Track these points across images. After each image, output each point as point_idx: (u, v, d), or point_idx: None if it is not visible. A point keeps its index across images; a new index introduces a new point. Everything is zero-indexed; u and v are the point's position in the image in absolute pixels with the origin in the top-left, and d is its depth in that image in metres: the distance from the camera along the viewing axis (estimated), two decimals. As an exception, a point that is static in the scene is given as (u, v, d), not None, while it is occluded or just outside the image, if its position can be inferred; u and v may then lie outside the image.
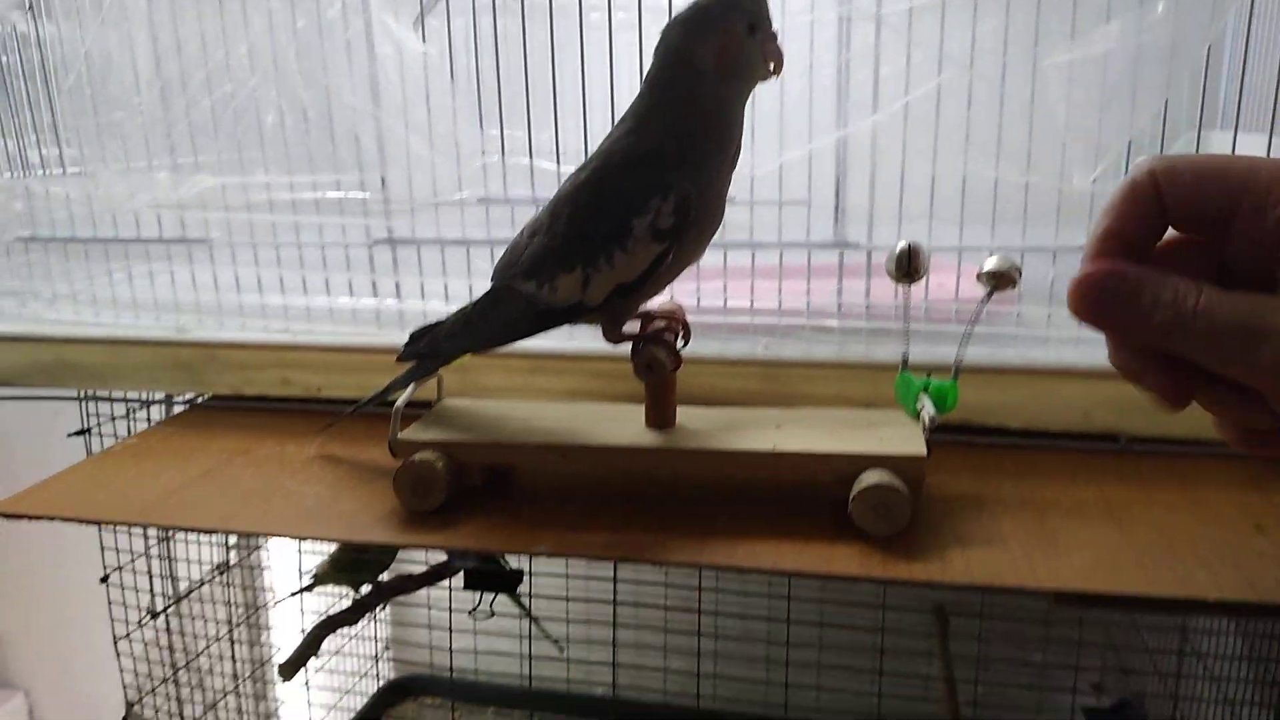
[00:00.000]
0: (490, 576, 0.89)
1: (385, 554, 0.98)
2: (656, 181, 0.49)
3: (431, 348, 0.55)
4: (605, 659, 0.94)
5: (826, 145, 0.59)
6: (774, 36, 0.49)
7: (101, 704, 1.68)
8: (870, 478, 0.48)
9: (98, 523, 0.57)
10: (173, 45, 0.65)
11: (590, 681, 1.02)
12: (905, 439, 0.51)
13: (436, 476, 0.52)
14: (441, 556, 1.03)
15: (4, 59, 0.68)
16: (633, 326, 0.55)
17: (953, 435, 0.61)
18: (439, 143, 0.64)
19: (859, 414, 0.55)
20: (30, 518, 0.55)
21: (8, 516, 0.55)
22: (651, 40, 0.49)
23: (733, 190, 0.61)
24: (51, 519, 0.55)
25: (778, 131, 0.59)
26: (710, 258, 0.63)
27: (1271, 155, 0.55)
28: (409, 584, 0.99)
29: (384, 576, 1.01)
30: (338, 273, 0.68)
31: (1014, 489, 0.54)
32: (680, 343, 0.55)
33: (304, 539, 0.52)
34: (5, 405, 1.55)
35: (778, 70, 0.50)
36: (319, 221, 0.67)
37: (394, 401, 0.55)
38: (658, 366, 0.52)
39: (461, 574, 0.93)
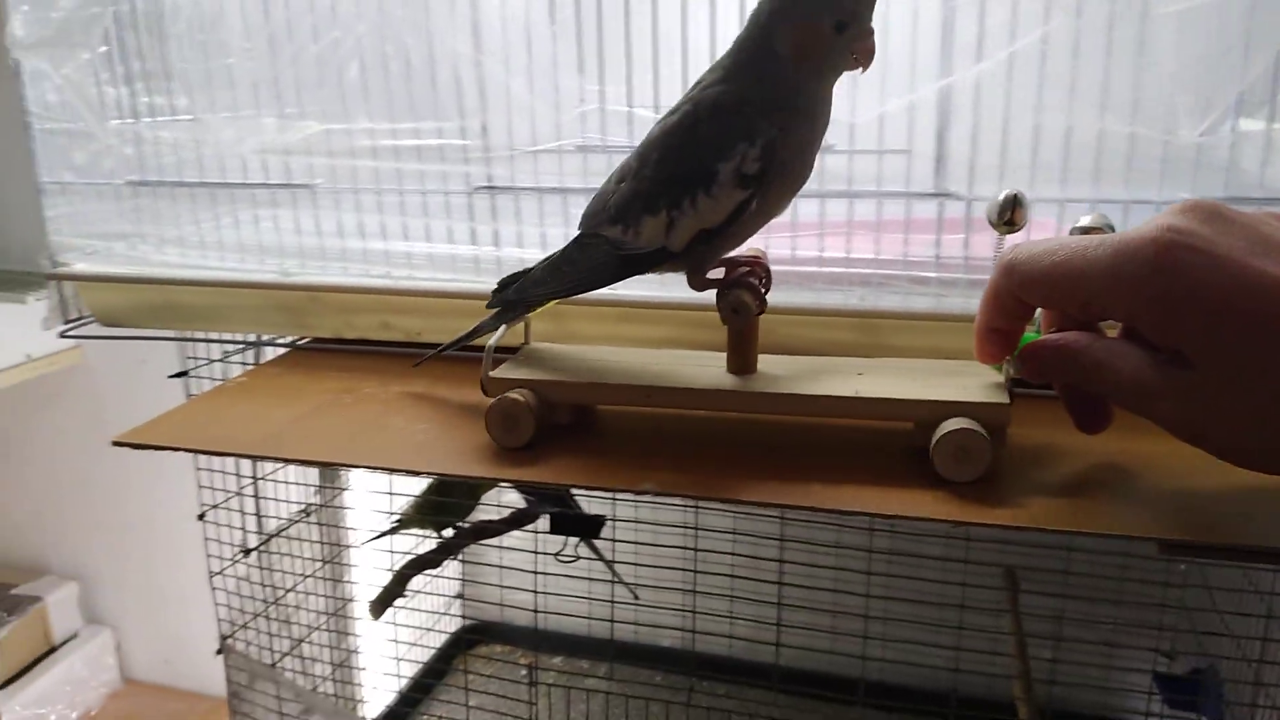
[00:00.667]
0: (575, 521, 0.91)
1: (470, 498, 1.00)
2: (744, 127, 0.50)
3: (519, 294, 0.56)
4: (676, 607, 0.96)
5: (929, 94, 0.59)
6: (869, 34, 0.49)
7: (185, 641, 1.76)
8: (951, 424, 0.48)
9: (216, 454, 0.59)
10: (281, -9, 0.66)
11: (660, 625, 1.04)
12: (988, 388, 0.51)
13: (524, 413, 0.53)
14: (516, 503, 1.05)
15: (115, 8, 0.70)
16: (717, 274, 0.55)
17: (1043, 390, 0.60)
18: (538, 88, 0.64)
19: (942, 364, 0.56)
20: (152, 448, 0.58)
21: (133, 446, 0.58)
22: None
23: (831, 138, 0.61)
24: (173, 449, 0.58)
25: (880, 79, 0.59)
26: (806, 207, 0.63)
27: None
28: (491, 528, 1.02)
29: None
30: (438, 219, 0.69)
31: (1105, 442, 0.54)
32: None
33: (415, 473, 0.54)
34: (92, 348, 1.61)
35: (864, 68, 0.50)
36: (420, 168, 0.68)
37: (480, 344, 0.57)
38: (743, 309, 0.53)
39: (544, 519, 0.95)
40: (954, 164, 0.61)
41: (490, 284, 0.59)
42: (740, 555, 0.91)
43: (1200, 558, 0.46)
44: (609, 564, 1.02)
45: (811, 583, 0.87)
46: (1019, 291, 0.45)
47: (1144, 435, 0.48)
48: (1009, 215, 0.53)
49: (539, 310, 0.58)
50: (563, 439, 0.55)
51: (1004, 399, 0.49)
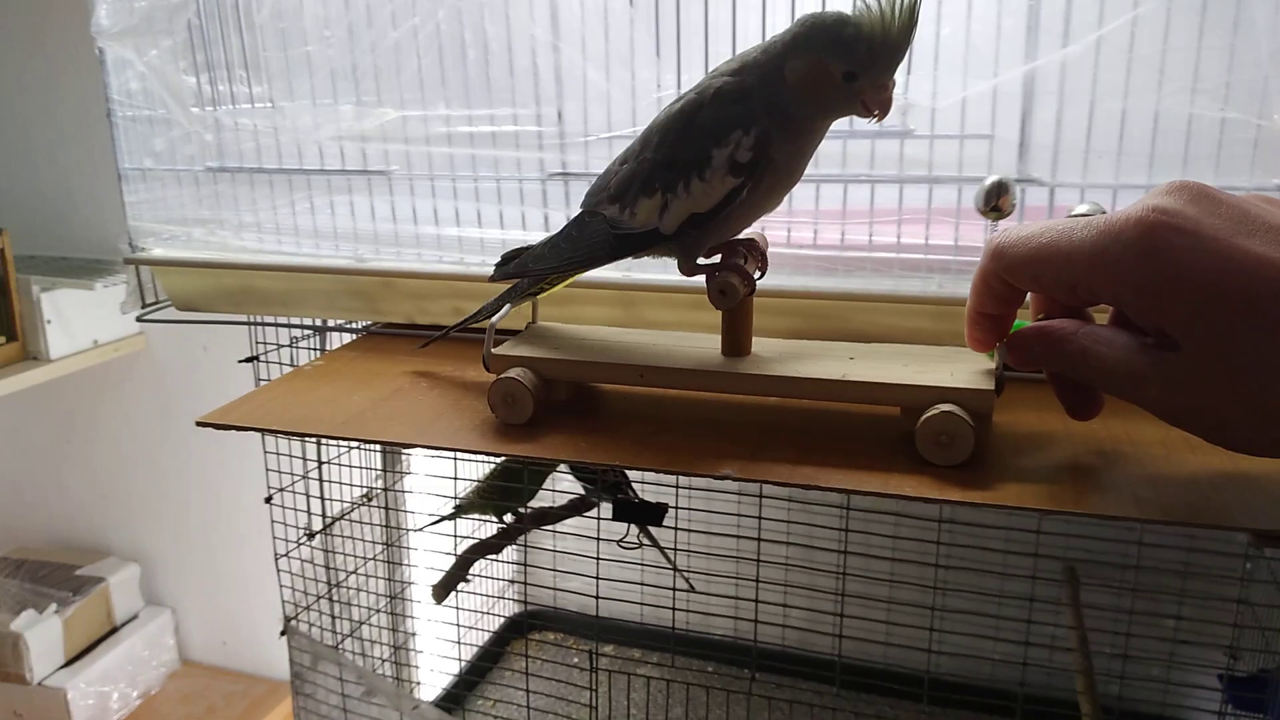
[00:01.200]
0: (638, 509, 0.91)
1: (534, 483, 1.01)
2: (741, 115, 0.50)
3: (519, 269, 0.58)
4: (730, 597, 0.96)
5: (1013, 78, 0.58)
6: (883, 88, 0.48)
7: (242, 623, 1.79)
8: (935, 409, 0.49)
9: (299, 435, 0.60)
10: (362, -20, 0.67)
11: (712, 614, 1.03)
12: (976, 374, 0.51)
13: (522, 391, 0.55)
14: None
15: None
16: (715, 261, 0.56)
17: (1037, 375, 0.59)
18: (615, 75, 0.65)
19: (938, 350, 0.56)
20: (235, 428, 0.59)
21: (216, 427, 0.59)
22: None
23: (912, 123, 0.61)
24: (256, 430, 0.59)
25: (962, 63, 0.58)
26: (884, 192, 0.63)
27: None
28: (552, 513, 1.03)
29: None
30: (511, 206, 0.70)
31: (1094, 428, 0.53)
32: (757, 274, 0.57)
33: (500, 455, 0.55)
34: (156, 334, 1.64)
35: (878, 120, 0.49)
36: (495, 154, 0.69)
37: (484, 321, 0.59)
38: (730, 291, 0.54)
39: (607, 507, 0.95)
40: (1037, 149, 0.60)
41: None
42: (796, 545, 0.90)
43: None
44: (665, 552, 1.02)
45: (870, 574, 0.86)
46: (1007, 275, 0.45)
47: (1135, 420, 0.48)
48: (995, 201, 0.54)
49: (546, 292, 0.60)
50: (562, 416, 0.58)
51: (989, 385, 0.50)
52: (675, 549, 0.99)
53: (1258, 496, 0.45)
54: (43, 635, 1.61)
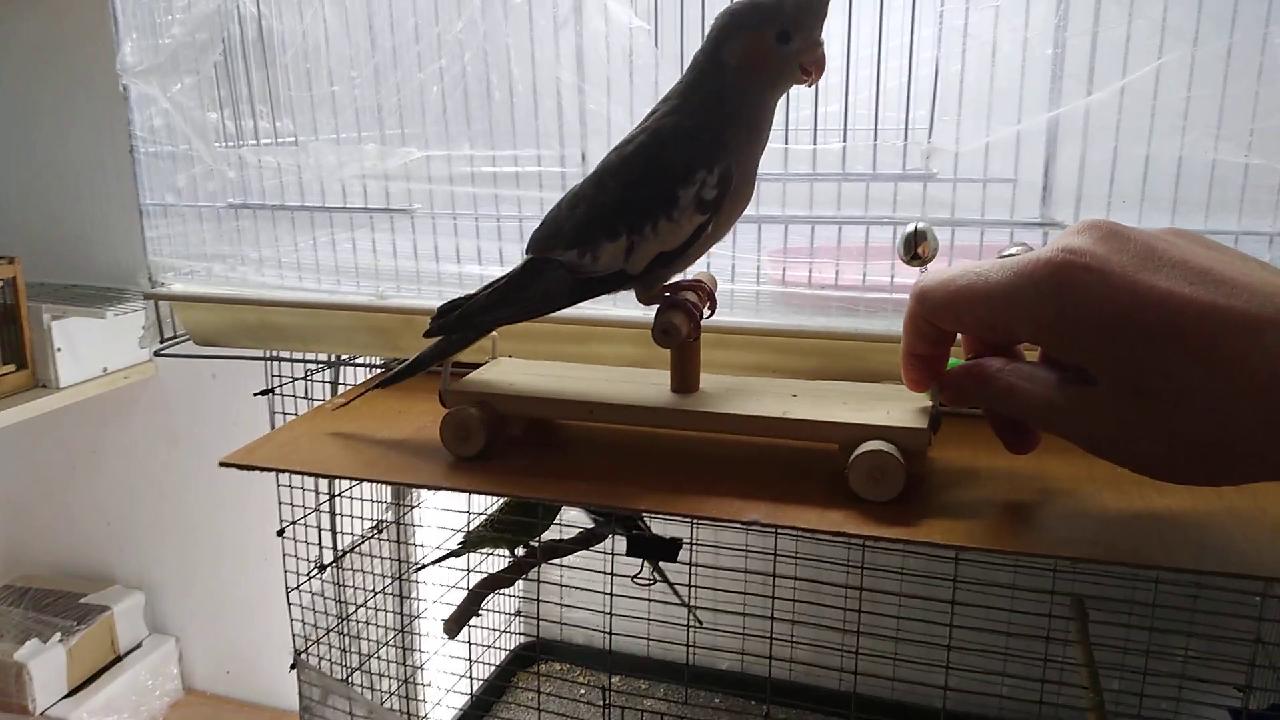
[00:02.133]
0: (651, 544, 0.91)
1: (547, 516, 1.01)
2: (701, 154, 0.51)
3: (463, 320, 0.58)
4: (734, 630, 0.95)
5: (1037, 123, 0.58)
6: (816, 45, 0.50)
7: (246, 653, 1.79)
8: (867, 446, 0.50)
9: (327, 477, 0.60)
10: (388, 23, 0.67)
11: (717, 649, 1.03)
12: (911, 413, 0.52)
13: (475, 424, 0.57)
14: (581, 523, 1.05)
15: (225, 34, 0.72)
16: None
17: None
18: (639, 115, 0.65)
19: (878, 388, 0.57)
20: (263, 469, 0.59)
21: (240, 468, 0.59)
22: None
23: (935, 166, 0.61)
24: (283, 471, 0.59)
25: (986, 108, 0.59)
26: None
27: None
28: (563, 547, 1.02)
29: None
30: (533, 244, 0.70)
31: (1031, 463, 0.55)
32: (707, 312, 0.58)
33: (521, 497, 0.55)
34: (165, 364, 1.64)
35: (813, 81, 0.51)
36: (518, 194, 0.69)
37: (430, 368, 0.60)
38: (673, 331, 0.55)
39: (617, 540, 0.95)
40: (1060, 193, 0.60)
41: (580, 309, 0.59)
42: (805, 580, 0.90)
43: None
44: (675, 589, 1.02)
45: (880, 610, 0.86)
46: (931, 317, 0.46)
47: (1071, 455, 0.49)
48: (915, 249, 0.55)
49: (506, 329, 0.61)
50: (516, 451, 0.59)
51: (922, 424, 0.51)
52: (691, 586, 0.99)
53: (1174, 534, 0.47)
54: (46, 665, 1.60)
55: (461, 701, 1.28)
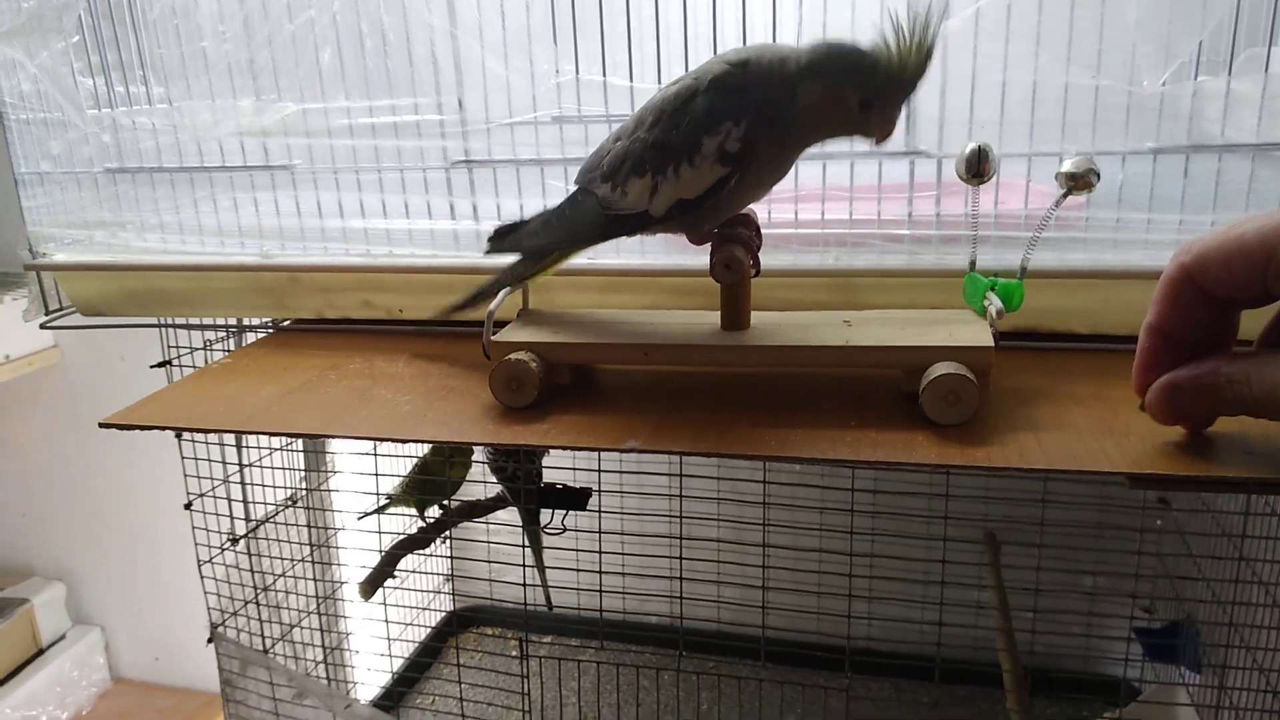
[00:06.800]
0: (561, 495, 0.92)
1: (456, 477, 1.01)
2: (735, 107, 0.51)
3: (514, 244, 0.58)
4: (663, 588, 0.96)
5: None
6: (894, 114, 0.50)
7: (173, 638, 1.76)
8: (939, 368, 0.50)
9: (203, 430, 0.60)
10: (254, -27, 0.66)
11: (645, 610, 1.04)
12: (973, 333, 0.53)
13: (529, 374, 0.55)
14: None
15: (89, -3, 0.70)
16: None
17: (1021, 341, 0.62)
18: (514, 63, 0.65)
19: (927, 313, 0.57)
20: (140, 428, 0.58)
21: (120, 428, 0.58)
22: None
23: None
24: (161, 428, 0.58)
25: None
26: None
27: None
28: (477, 508, 1.03)
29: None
30: (416, 195, 0.70)
31: (1083, 388, 0.55)
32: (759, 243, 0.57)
33: (407, 441, 0.54)
34: (70, 347, 1.60)
35: (877, 142, 0.51)
36: (398, 145, 0.69)
37: (463, 319, 0.60)
38: (735, 265, 0.55)
39: (527, 494, 0.96)
40: (923, 122, 0.62)
41: (471, 259, 0.59)
42: (727, 520, 0.91)
43: (1166, 488, 0.47)
44: (539, 553, 1.01)
45: (795, 543, 0.88)
46: (1197, 271, 0.42)
47: (1123, 381, 0.49)
48: (977, 166, 0.55)
49: (539, 276, 0.59)
50: (565, 398, 0.57)
51: (988, 341, 0.51)
52: (600, 532, 1.00)
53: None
54: (-36, 661, 1.57)
55: (391, 668, 1.28)
